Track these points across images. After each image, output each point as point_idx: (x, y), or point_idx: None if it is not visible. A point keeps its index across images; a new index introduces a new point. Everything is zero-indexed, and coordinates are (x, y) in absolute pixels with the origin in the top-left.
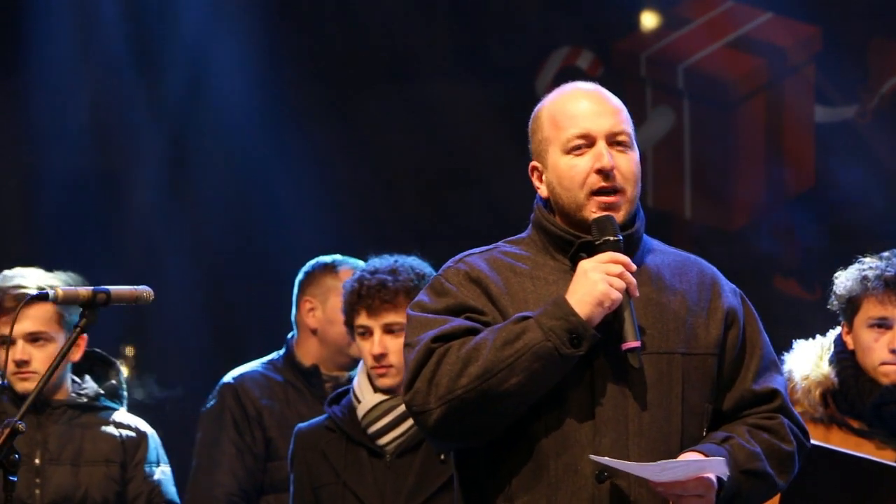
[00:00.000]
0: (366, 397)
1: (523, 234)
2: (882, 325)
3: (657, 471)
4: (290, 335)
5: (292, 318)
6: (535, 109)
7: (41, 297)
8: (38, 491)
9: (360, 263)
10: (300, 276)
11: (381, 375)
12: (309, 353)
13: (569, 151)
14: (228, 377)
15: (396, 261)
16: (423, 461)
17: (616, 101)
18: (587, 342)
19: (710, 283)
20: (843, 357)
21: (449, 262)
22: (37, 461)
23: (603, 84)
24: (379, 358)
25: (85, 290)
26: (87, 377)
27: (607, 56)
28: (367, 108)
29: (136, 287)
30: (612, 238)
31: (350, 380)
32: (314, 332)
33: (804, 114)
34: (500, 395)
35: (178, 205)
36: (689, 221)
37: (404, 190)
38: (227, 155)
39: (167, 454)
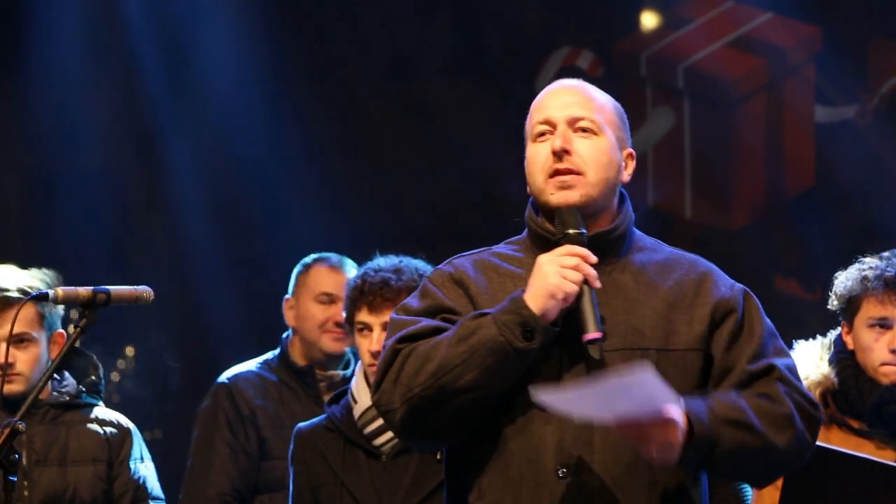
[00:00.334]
0: (362, 398)
1: (522, 235)
2: (882, 325)
3: (595, 399)
4: (284, 335)
5: None
6: None
7: (42, 297)
8: (26, 492)
9: (349, 262)
10: None
11: None
12: (302, 353)
13: (535, 139)
14: (223, 377)
15: (401, 261)
16: (418, 462)
17: (590, 93)
18: (540, 335)
19: (698, 280)
20: (843, 357)
21: (440, 265)
22: (24, 462)
23: (603, 84)
24: (376, 355)
25: (85, 290)
26: (66, 374)
27: (607, 56)
28: (367, 108)
29: (136, 287)
30: (571, 231)
31: (344, 379)
32: (295, 329)
33: (804, 114)
34: (456, 391)
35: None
36: (689, 221)
37: (404, 190)
38: (227, 155)
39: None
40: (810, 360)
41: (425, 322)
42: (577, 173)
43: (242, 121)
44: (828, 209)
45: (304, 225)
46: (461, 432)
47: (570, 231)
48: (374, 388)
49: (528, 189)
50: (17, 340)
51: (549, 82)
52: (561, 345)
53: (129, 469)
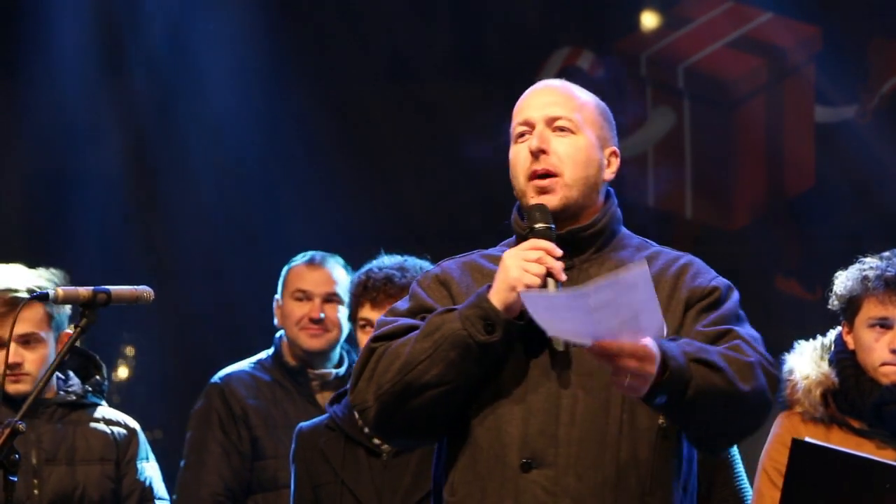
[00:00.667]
0: None
1: (512, 237)
2: (882, 325)
3: (579, 312)
4: (278, 335)
5: None
6: None
7: (42, 297)
8: (36, 491)
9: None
10: None
11: None
12: (290, 352)
13: (515, 140)
14: (216, 377)
15: (406, 260)
16: (419, 460)
17: (571, 92)
18: (501, 328)
19: (676, 273)
20: (844, 357)
21: (429, 268)
22: (34, 461)
23: (603, 84)
24: None
25: (85, 290)
26: (71, 374)
27: (607, 56)
28: (367, 108)
29: (136, 287)
30: (538, 226)
31: (336, 377)
32: (282, 328)
33: (804, 114)
34: (422, 386)
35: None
36: (689, 221)
37: (404, 190)
38: (227, 155)
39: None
40: (811, 360)
41: (401, 321)
42: (554, 174)
43: (242, 120)
44: (828, 209)
45: (304, 225)
46: (434, 428)
47: (537, 226)
48: (351, 387)
49: (514, 191)
50: (25, 340)
51: None
52: (527, 339)
53: (136, 469)
